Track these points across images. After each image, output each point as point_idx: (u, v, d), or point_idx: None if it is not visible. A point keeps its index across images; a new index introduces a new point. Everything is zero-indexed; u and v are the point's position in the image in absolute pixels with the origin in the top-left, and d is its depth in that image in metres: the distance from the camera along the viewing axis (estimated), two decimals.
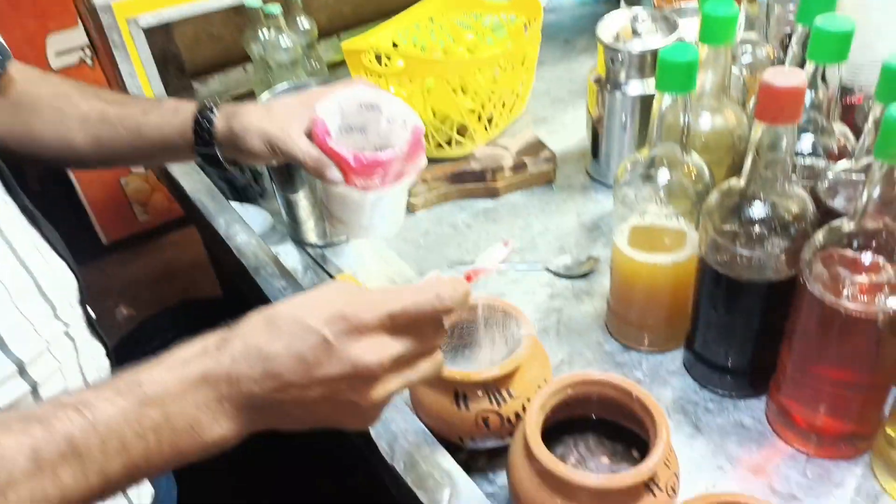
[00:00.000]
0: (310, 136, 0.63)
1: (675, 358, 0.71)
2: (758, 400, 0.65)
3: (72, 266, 0.63)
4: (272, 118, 0.65)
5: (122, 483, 0.40)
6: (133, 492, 0.64)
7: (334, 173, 0.62)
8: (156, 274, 2.06)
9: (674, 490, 0.51)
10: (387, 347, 0.44)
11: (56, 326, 0.57)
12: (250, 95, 1.14)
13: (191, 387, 0.41)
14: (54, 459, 0.37)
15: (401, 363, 0.45)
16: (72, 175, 1.98)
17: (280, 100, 0.68)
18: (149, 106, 0.70)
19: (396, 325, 0.44)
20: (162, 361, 0.42)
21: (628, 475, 0.47)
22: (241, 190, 0.97)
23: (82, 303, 0.63)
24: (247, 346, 0.42)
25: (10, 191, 0.59)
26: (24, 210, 0.60)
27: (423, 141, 0.65)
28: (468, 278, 0.52)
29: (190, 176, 0.95)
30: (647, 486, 0.49)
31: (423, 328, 0.45)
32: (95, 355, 0.63)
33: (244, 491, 1.36)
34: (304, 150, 0.62)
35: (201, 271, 1.64)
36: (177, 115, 0.68)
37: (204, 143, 0.67)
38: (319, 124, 0.63)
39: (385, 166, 0.63)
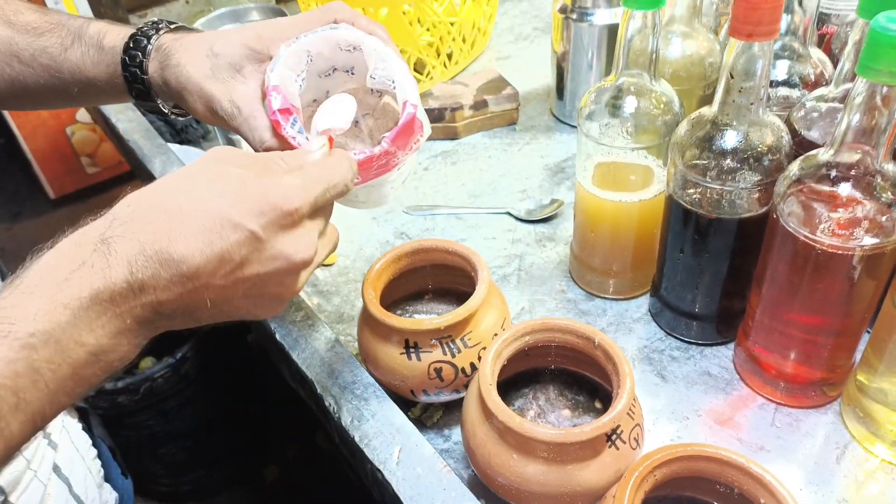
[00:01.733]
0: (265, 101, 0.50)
1: (641, 305, 0.67)
2: (726, 348, 0.62)
3: None
4: (217, 73, 0.50)
5: (28, 436, 0.34)
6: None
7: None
8: None
9: (637, 442, 0.47)
10: (314, 235, 0.41)
11: None
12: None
13: (82, 312, 0.34)
14: None
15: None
16: (13, 125, 1.87)
17: (227, 40, 0.51)
18: (68, 37, 0.55)
19: (316, 208, 0.41)
20: (30, 286, 0.34)
21: (589, 428, 0.44)
22: (181, 130, 0.90)
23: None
24: (144, 247, 0.35)
25: None
26: None
27: (417, 123, 0.49)
28: (331, 141, 0.46)
29: (124, 114, 0.87)
30: (610, 438, 0.45)
31: (329, 207, 0.43)
32: None
33: (197, 462, 1.33)
34: (255, 135, 0.49)
35: None
36: (102, 53, 0.54)
37: (139, 94, 0.54)
38: (273, 99, 0.48)
39: (365, 165, 0.48)
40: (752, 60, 0.48)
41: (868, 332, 0.54)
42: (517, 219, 0.77)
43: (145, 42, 0.53)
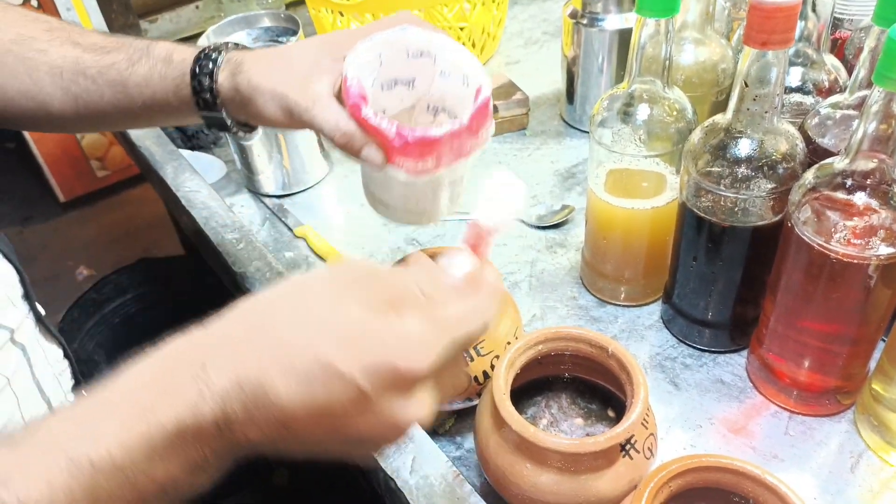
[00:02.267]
0: (339, 96, 0.48)
1: (653, 312, 0.67)
2: (739, 355, 0.62)
3: (10, 257, 0.52)
4: (290, 73, 0.49)
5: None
6: None
7: (373, 153, 0.47)
8: (116, 233, 1.99)
9: (651, 451, 0.47)
10: (432, 394, 0.34)
11: None
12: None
13: (161, 447, 0.30)
14: None
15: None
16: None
17: (301, 46, 0.52)
18: (135, 53, 0.55)
19: (444, 365, 0.34)
20: (108, 405, 0.31)
21: (603, 438, 0.44)
22: (192, 136, 0.91)
23: (27, 298, 0.53)
24: (242, 381, 0.31)
25: None
26: None
27: (490, 108, 0.48)
28: (474, 246, 0.39)
29: None
30: (624, 448, 0.45)
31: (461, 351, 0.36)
32: (51, 359, 0.54)
33: None
34: (332, 122, 0.47)
35: (163, 229, 1.58)
36: (170, 66, 0.53)
37: (206, 104, 0.53)
38: (352, 85, 0.46)
39: (439, 145, 0.46)
40: (766, 68, 0.48)
41: (883, 340, 0.54)
42: (528, 225, 0.77)
43: (216, 54, 0.52)
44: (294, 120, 0.49)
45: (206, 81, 0.52)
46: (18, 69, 0.55)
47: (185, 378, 0.31)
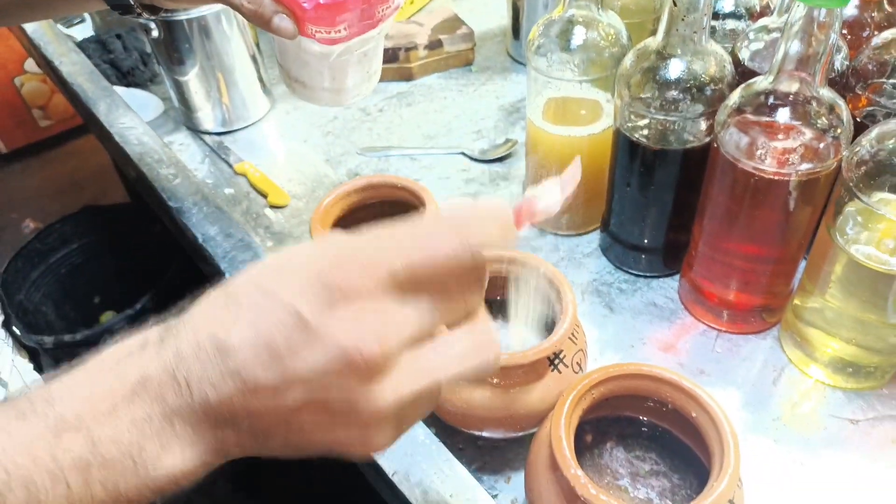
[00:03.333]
0: None
1: (592, 241, 0.68)
2: (672, 279, 0.64)
3: None
4: None
5: None
6: None
7: (284, 23, 0.46)
8: (62, 184, 1.93)
9: (580, 366, 0.49)
10: (391, 319, 0.28)
11: None
12: None
13: (123, 399, 0.27)
14: None
15: (419, 342, 0.29)
16: None
17: None
18: None
19: (404, 283, 0.28)
20: (86, 366, 0.29)
21: (532, 351, 0.45)
22: (128, 73, 0.88)
23: None
24: (198, 335, 0.28)
25: None
26: None
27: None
28: (518, 219, 0.32)
29: (67, 57, 0.85)
30: (552, 362, 0.47)
31: (449, 286, 0.29)
32: None
33: None
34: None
35: (109, 179, 1.54)
36: None
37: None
38: None
39: (348, 7, 0.46)
40: None
41: (805, 258, 0.56)
42: (471, 158, 0.77)
43: None
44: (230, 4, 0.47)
45: None
46: None
47: (141, 343, 0.29)
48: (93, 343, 1.02)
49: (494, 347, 0.30)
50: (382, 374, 0.28)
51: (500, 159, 0.77)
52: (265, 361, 0.27)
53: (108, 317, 1.35)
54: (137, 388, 0.28)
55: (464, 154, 0.78)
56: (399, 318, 0.28)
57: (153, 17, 0.54)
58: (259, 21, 0.46)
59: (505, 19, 0.92)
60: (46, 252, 1.31)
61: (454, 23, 0.89)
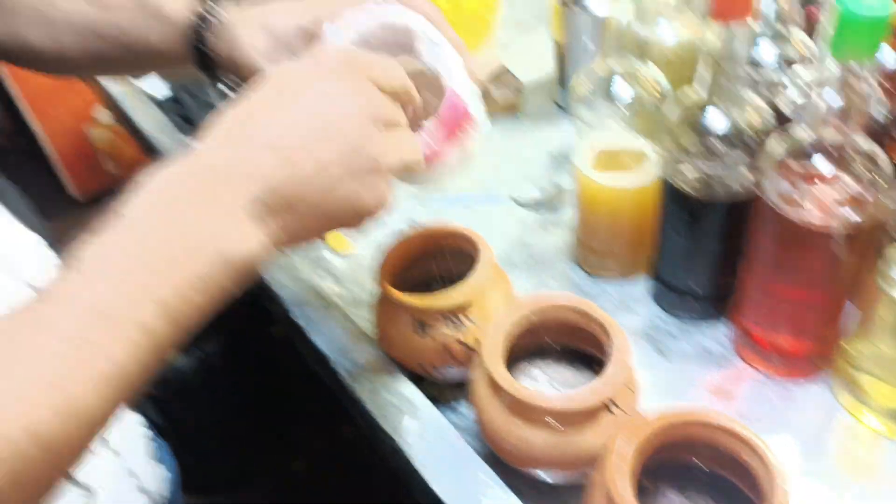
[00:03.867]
0: None
1: (642, 285, 0.70)
2: (722, 324, 0.65)
3: (48, 242, 0.56)
4: (271, 52, 0.54)
5: (173, 339, 0.35)
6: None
7: None
8: None
9: (633, 410, 0.50)
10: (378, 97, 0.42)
11: None
12: None
13: (196, 186, 0.36)
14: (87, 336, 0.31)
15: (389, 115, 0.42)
16: (35, 126, 1.92)
17: (285, 18, 0.55)
18: (135, 9, 0.59)
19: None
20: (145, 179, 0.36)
21: (587, 395, 0.47)
22: (199, 126, 0.94)
23: None
24: (229, 127, 0.38)
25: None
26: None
27: (464, 112, 0.49)
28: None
29: (144, 112, 0.91)
30: (607, 405, 0.49)
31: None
32: None
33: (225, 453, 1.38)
34: None
35: None
36: (165, 23, 0.58)
37: (200, 63, 0.58)
38: None
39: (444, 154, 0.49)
40: (732, 43, 0.51)
41: (853, 303, 0.56)
42: (521, 204, 0.80)
43: (207, 15, 0.56)
44: None
45: (199, 45, 0.56)
46: (40, 22, 0.61)
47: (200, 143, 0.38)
48: (163, 384, 1.06)
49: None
50: (387, 121, 0.42)
51: (550, 206, 0.80)
52: (306, 156, 0.38)
53: (178, 359, 1.41)
54: (207, 172, 0.37)
55: (514, 200, 0.81)
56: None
57: (234, 86, 0.60)
58: None
59: (551, 69, 0.96)
60: None
61: (502, 73, 0.93)
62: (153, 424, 0.71)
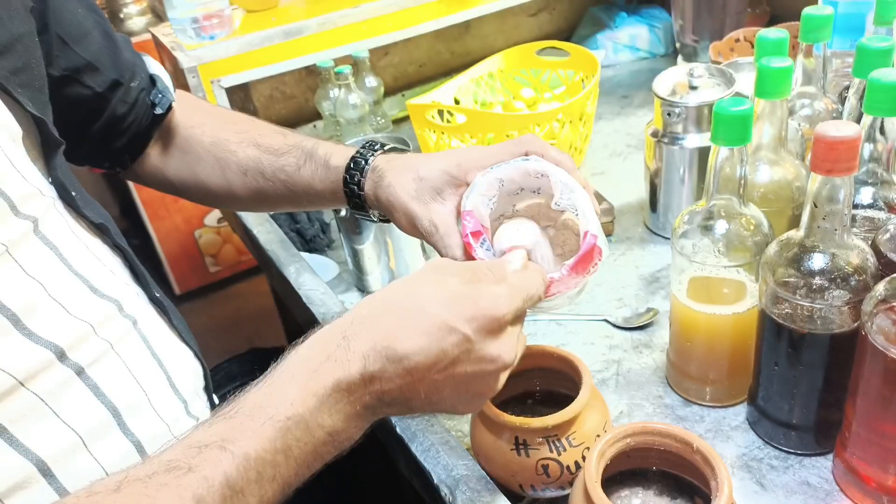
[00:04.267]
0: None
1: (738, 413, 0.70)
2: (825, 458, 0.64)
3: (197, 353, 0.62)
4: (420, 195, 0.60)
5: (277, 502, 0.42)
6: None
7: None
8: (224, 323, 2.15)
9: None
10: (514, 340, 0.48)
11: (187, 423, 0.57)
12: None
13: (326, 399, 0.42)
14: None
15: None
16: (149, 227, 2.10)
17: (432, 164, 0.61)
18: (301, 157, 0.69)
19: (516, 316, 0.48)
20: (288, 375, 0.43)
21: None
22: (310, 240, 1.02)
23: (207, 391, 0.63)
24: (375, 344, 0.43)
25: (138, 280, 0.59)
26: (153, 300, 0.59)
27: (597, 250, 0.55)
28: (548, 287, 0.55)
29: (263, 226, 1.00)
30: None
31: (524, 314, 0.50)
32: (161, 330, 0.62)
33: None
34: (447, 252, 0.59)
35: (266, 321, 1.71)
36: (328, 171, 0.67)
37: (357, 205, 0.66)
38: (467, 223, 0.57)
39: (567, 285, 0.56)
40: (833, 191, 0.53)
41: None
42: (614, 326, 0.82)
43: (363, 163, 0.64)
44: (420, 236, 0.61)
45: (355, 189, 0.65)
46: (215, 167, 0.72)
47: (332, 348, 0.44)
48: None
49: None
50: (506, 371, 0.49)
51: (642, 327, 0.82)
52: (435, 364, 0.44)
53: None
54: (334, 390, 0.43)
55: (607, 321, 0.83)
56: (516, 337, 0.49)
57: (385, 222, 0.69)
58: None
59: (642, 193, 1.00)
60: (214, 389, 1.46)
61: (596, 199, 0.97)
62: None
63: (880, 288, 0.53)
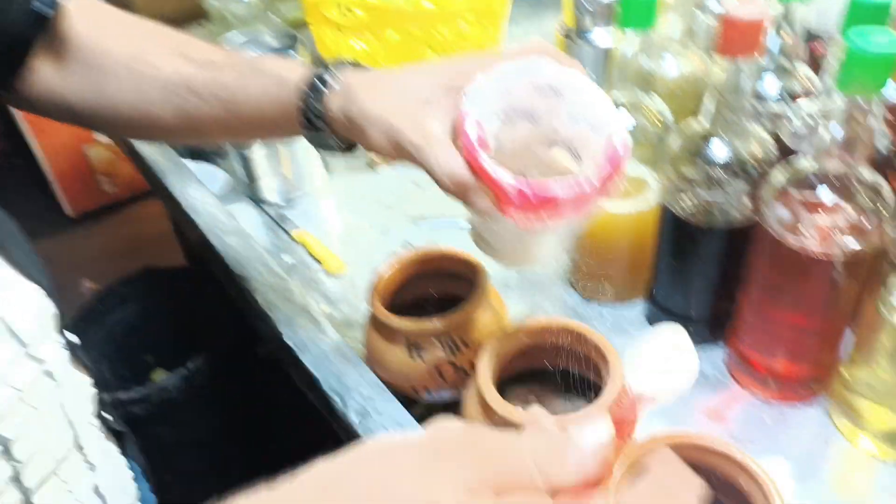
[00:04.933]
0: (455, 134, 0.45)
1: (638, 309, 0.69)
2: (719, 348, 0.64)
3: (47, 289, 0.50)
4: (403, 105, 0.47)
5: None
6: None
7: (484, 205, 0.43)
8: (121, 247, 2.02)
9: (629, 434, 0.50)
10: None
11: (30, 368, 0.47)
12: None
13: None
14: None
15: None
16: (34, 145, 1.93)
17: (416, 73, 0.48)
18: (247, 70, 0.54)
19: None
20: None
21: (581, 414, 0.46)
22: (197, 147, 0.94)
23: (60, 330, 0.52)
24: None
25: None
26: None
27: (623, 160, 0.43)
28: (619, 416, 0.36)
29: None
30: None
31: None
32: (79, 389, 0.54)
33: (210, 473, 1.36)
34: (444, 167, 0.43)
35: (168, 244, 1.61)
36: (281, 87, 0.53)
37: (314, 127, 0.52)
38: (470, 129, 0.43)
39: (561, 205, 0.42)
40: (737, 77, 0.51)
41: (851, 328, 0.56)
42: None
43: (330, 78, 0.51)
44: (403, 155, 0.47)
45: (318, 108, 0.51)
46: (131, 85, 0.57)
47: None
48: (145, 401, 1.05)
49: None
50: None
51: None
52: None
53: (159, 375, 1.40)
54: None
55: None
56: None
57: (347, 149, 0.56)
58: (458, 197, 0.45)
59: None
60: (105, 312, 1.37)
61: None
62: (132, 443, 0.68)
63: (778, 176, 0.52)
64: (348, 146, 0.54)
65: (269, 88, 0.53)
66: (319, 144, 0.55)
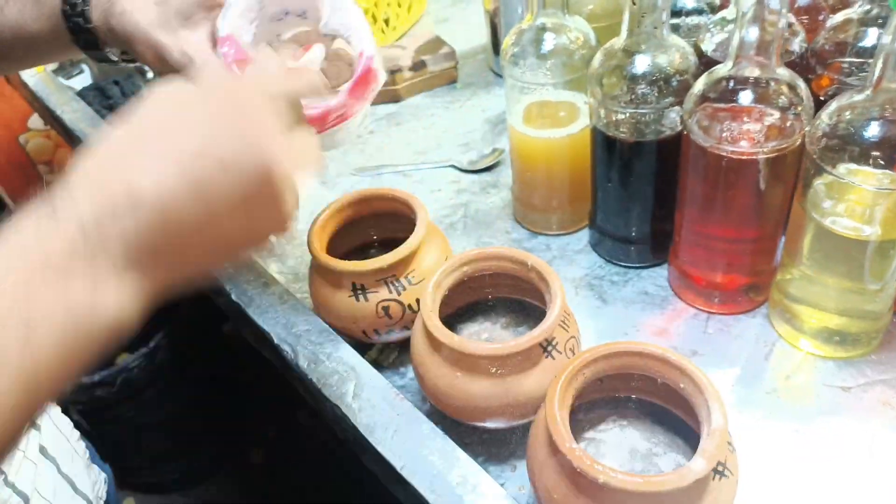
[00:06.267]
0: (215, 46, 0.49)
1: (582, 237, 0.70)
2: (661, 268, 0.66)
3: None
4: (165, 21, 0.49)
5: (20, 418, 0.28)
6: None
7: None
8: None
9: (573, 352, 0.50)
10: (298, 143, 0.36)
11: None
12: None
13: (59, 252, 0.29)
14: None
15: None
16: None
17: None
18: None
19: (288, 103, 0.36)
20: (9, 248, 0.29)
21: (524, 339, 0.47)
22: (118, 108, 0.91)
23: None
24: (107, 191, 0.30)
25: None
26: None
27: (373, 73, 0.49)
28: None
29: (69, 105, 0.89)
30: (545, 348, 0.48)
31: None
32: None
33: (178, 451, 1.34)
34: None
35: None
36: (40, 4, 0.52)
37: (87, 43, 0.52)
38: (227, 50, 0.48)
39: (322, 118, 0.48)
40: None
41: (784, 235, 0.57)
42: (461, 170, 0.80)
43: None
44: (169, 70, 0.49)
45: (80, 22, 0.50)
46: None
47: (52, 198, 0.30)
48: (109, 382, 1.04)
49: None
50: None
51: (489, 168, 0.80)
52: (188, 203, 0.30)
53: (123, 358, 1.38)
54: (46, 270, 0.28)
55: (453, 167, 0.81)
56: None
57: (130, 61, 0.56)
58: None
59: (484, 37, 0.95)
60: None
61: (436, 43, 0.92)
62: (88, 425, 0.67)
63: (699, 84, 0.52)
64: (128, 58, 0.54)
65: (27, 9, 0.52)
66: (100, 59, 0.54)
